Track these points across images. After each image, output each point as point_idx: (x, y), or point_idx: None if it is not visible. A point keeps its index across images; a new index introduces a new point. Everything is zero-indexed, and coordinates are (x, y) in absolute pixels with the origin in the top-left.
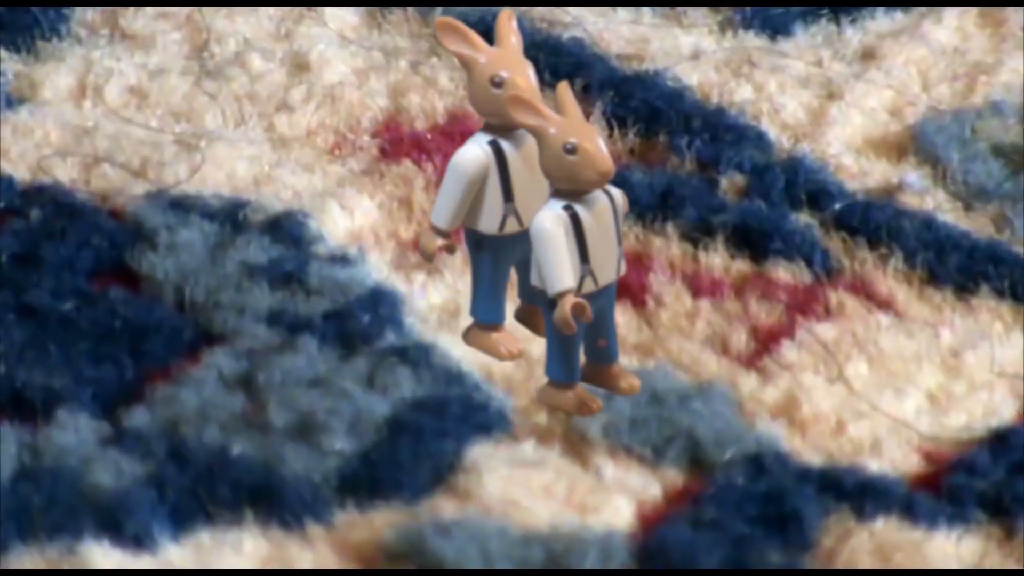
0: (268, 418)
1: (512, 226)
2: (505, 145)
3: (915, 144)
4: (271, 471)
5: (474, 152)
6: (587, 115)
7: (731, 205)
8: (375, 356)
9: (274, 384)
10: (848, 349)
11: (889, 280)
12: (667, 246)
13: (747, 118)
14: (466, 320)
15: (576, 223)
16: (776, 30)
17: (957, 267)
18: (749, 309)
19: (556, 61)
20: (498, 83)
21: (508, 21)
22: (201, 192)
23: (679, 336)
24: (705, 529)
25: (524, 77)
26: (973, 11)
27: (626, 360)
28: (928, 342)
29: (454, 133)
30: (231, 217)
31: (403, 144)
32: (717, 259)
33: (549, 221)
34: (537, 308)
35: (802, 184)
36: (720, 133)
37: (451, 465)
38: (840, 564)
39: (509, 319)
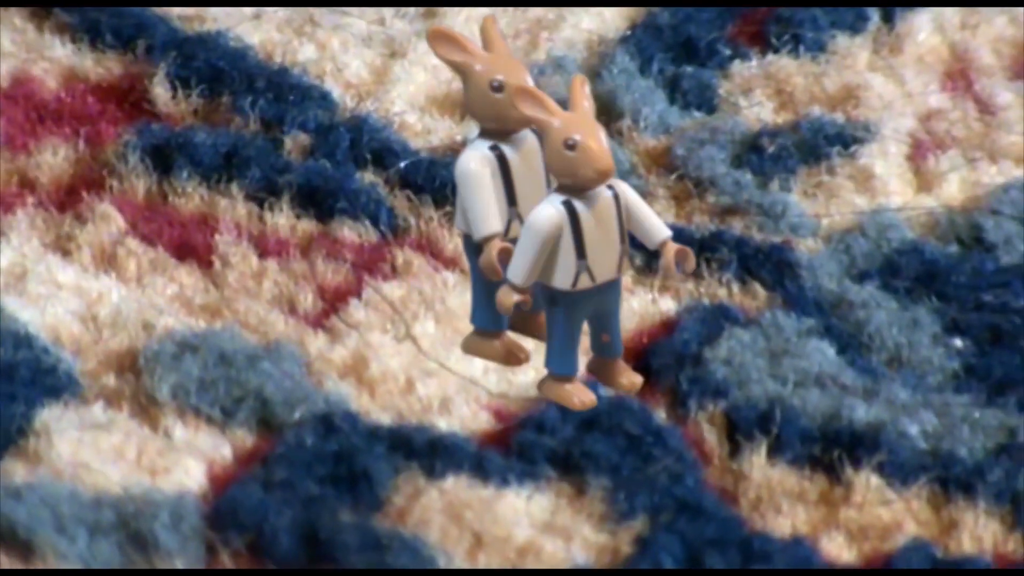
0: None
1: (516, 230)
2: (506, 149)
3: None
4: None
5: (477, 155)
6: (151, 77)
7: (296, 165)
8: None
9: None
10: (415, 307)
11: (455, 238)
12: (232, 206)
13: (311, 77)
14: (34, 284)
15: (574, 219)
16: None
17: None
18: (316, 269)
19: (118, 24)
20: (497, 87)
21: (493, 27)
22: None
23: (246, 296)
24: (276, 489)
25: (522, 80)
26: None
27: (193, 321)
28: None
29: (17, 96)
30: None
31: None
32: (283, 219)
33: (544, 216)
34: (529, 314)
35: (366, 143)
36: (284, 93)
37: (21, 429)
38: (411, 522)
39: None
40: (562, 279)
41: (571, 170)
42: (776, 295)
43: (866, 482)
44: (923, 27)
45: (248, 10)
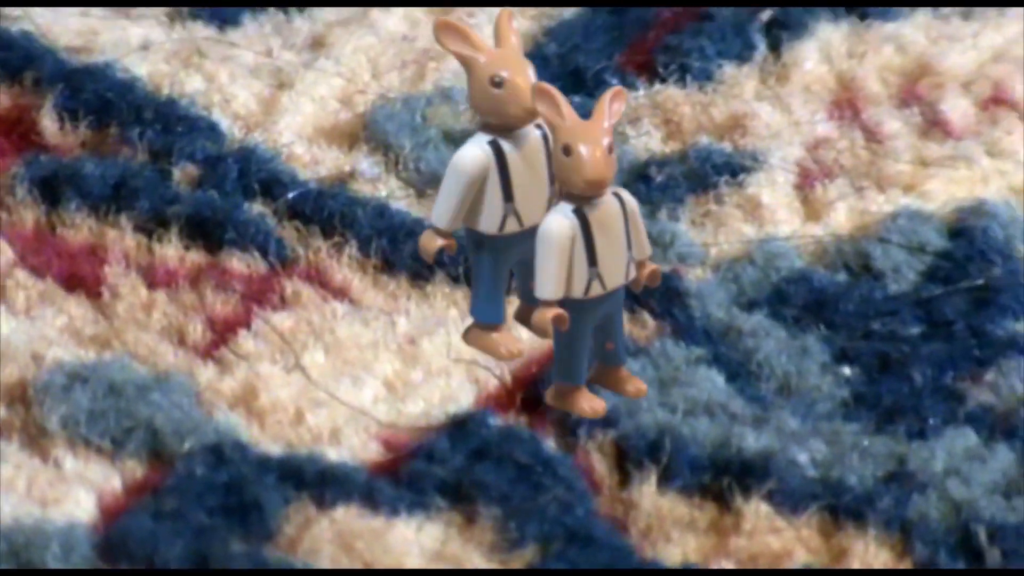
0: None
1: (512, 226)
2: (505, 145)
3: (367, 132)
4: None
5: (473, 152)
6: (38, 108)
7: (185, 196)
8: None
9: None
10: (305, 338)
11: (344, 268)
12: (121, 237)
13: (198, 108)
14: None
15: (585, 227)
16: (225, 20)
17: (411, 254)
18: (205, 299)
19: (5, 55)
20: (498, 83)
21: (508, 21)
22: None
23: (136, 327)
24: (166, 520)
25: (524, 77)
26: None
27: (83, 352)
28: (384, 330)
29: None
30: None
31: None
32: (172, 250)
33: (557, 225)
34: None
35: (255, 174)
36: (172, 124)
37: None
38: (302, 552)
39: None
40: (576, 287)
41: (564, 176)
42: (665, 324)
43: (756, 510)
44: (810, 56)
45: (135, 41)
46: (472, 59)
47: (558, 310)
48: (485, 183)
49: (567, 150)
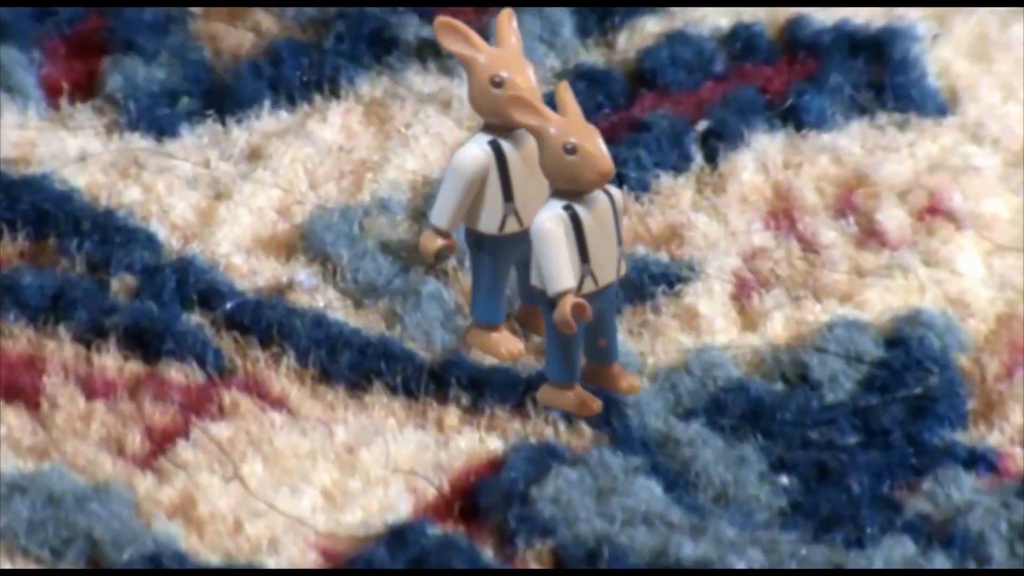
0: None
1: (512, 226)
2: (505, 145)
3: (304, 242)
4: None
5: (474, 152)
6: None
7: (123, 306)
8: None
9: None
10: (243, 448)
11: (282, 378)
12: (60, 348)
13: (136, 219)
14: None
15: (576, 223)
16: (162, 131)
17: (349, 364)
18: (143, 410)
19: None
20: (498, 83)
21: (508, 21)
22: None
23: (74, 438)
24: None
25: (524, 77)
26: (358, 109)
27: (21, 463)
28: (322, 439)
29: None
30: None
31: None
32: (110, 360)
33: (549, 221)
34: (537, 308)
35: (193, 284)
36: (110, 234)
37: None
38: None
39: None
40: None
41: (572, 174)
42: (603, 433)
43: None
44: (746, 166)
45: (73, 152)
46: (472, 59)
47: (576, 299)
48: (485, 183)
49: (571, 149)
